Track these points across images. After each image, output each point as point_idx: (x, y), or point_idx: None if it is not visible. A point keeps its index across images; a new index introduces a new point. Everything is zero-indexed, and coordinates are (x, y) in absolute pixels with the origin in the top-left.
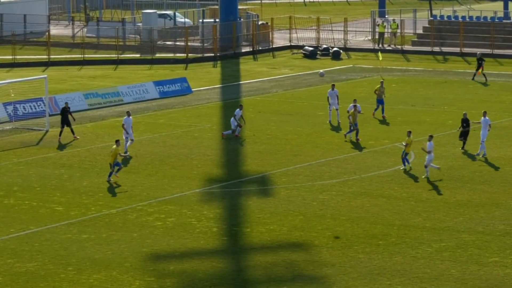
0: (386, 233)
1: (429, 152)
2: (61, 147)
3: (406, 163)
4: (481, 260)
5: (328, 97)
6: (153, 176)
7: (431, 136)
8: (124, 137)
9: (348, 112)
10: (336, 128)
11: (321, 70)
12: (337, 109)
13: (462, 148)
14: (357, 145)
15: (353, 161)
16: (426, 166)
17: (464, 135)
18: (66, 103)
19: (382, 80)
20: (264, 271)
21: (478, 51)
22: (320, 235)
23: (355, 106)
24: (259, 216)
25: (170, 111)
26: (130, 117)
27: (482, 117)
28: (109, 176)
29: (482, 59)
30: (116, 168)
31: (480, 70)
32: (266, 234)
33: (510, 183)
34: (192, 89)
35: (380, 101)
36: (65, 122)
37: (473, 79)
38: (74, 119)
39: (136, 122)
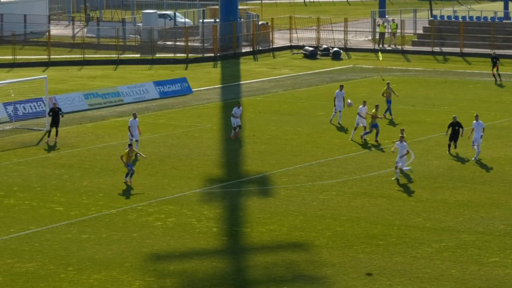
0: (386, 233)
1: (403, 152)
2: (61, 146)
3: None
4: (481, 260)
5: (334, 98)
6: (153, 176)
7: (402, 137)
8: (129, 139)
9: (359, 113)
10: (339, 129)
11: (349, 100)
12: (340, 111)
13: (449, 150)
14: (360, 145)
15: (353, 161)
16: (397, 165)
17: (454, 137)
18: (55, 103)
19: (388, 82)
20: (264, 271)
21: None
22: (320, 235)
23: (376, 106)
24: (259, 216)
25: (170, 111)
26: (136, 119)
27: (474, 121)
28: (130, 176)
29: (496, 58)
30: (128, 169)
31: (494, 69)
32: (266, 234)
33: (510, 183)
34: (192, 89)
35: (389, 102)
36: (54, 122)
37: (496, 81)
38: (63, 116)
39: None
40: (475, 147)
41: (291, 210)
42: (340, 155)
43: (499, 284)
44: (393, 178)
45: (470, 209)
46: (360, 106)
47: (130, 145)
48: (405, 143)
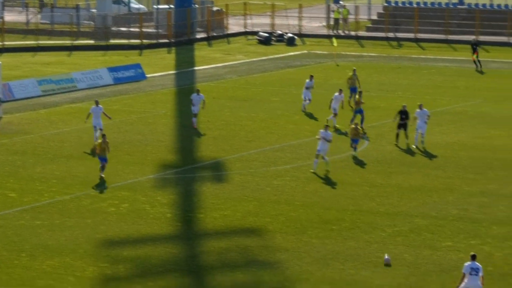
0: (340, 218)
1: (325, 141)
2: (15, 133)
3: (353, 150)
4: (434, 244)
5: (331, 100)
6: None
7: (327, 126)
8: (95, 129)
9: (332, 100)
10: (294, 115)
11: (386, 256)
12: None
13: (397, 140)
14: (312, 131)
15: (308, 146)
16: (318, 157)
17: (403, 127)
18: None
19: (354, 68)
20: (218, 257)
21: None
22: (274, 220)
23: (360, 92)
24: (213, 201)
25: (124, 97)
26: (99, 106)
27: (418, 109)
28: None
29: (476, 44)
30: (102, 163)
31: (474, 56)
32: (220, 220)
33: (463, 168)
34: (147, 75)
35: (353, 89)
36: None
37: (476, 67)
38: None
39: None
40: (419, 133)
41: (245, 196)
42: (294, 140)
43: (452, 268)
44: (311, 171)
45: (424, 194)
46: (336, 94)
47: (103, 135)
48: (329, 133)
